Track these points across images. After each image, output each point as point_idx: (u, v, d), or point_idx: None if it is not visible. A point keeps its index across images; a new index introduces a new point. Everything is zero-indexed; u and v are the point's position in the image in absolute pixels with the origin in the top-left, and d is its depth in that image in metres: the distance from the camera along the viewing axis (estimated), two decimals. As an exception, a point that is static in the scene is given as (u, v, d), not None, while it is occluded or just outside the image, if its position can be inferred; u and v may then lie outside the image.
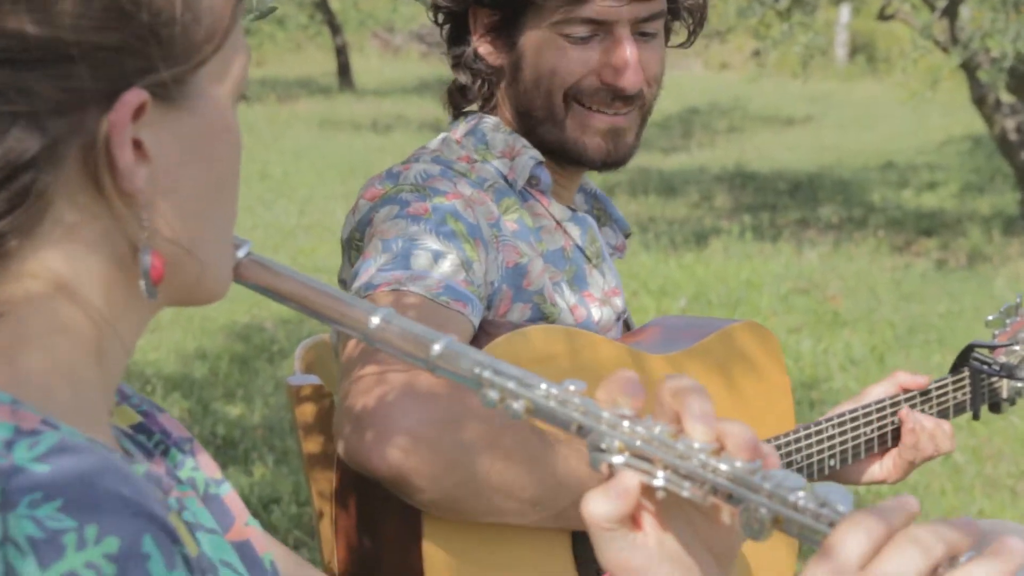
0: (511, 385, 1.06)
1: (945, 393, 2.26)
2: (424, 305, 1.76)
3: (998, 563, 0.92)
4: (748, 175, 12.17)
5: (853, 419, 2.16)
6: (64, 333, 0.95)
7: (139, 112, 0.93)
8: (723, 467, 1.00)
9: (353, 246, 1.97)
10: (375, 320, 1.10)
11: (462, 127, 2.08)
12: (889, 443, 2.21)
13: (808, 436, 2.10)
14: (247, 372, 6.23)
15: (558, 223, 2.06)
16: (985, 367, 2.28)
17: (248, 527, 1.16)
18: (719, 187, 11.62)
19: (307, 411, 2.01)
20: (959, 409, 2.30)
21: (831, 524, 0.97)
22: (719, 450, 1.02)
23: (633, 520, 1.06)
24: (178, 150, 0.97)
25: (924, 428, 2.19)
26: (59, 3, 0.89)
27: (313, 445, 2.01)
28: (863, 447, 2.17)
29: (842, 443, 2.14)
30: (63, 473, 0.85)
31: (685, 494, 1.01)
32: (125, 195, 0.93)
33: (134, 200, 0.94)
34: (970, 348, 2.30)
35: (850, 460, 2.16)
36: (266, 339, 6.73)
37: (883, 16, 9.16)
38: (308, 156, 12.89)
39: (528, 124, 2.05)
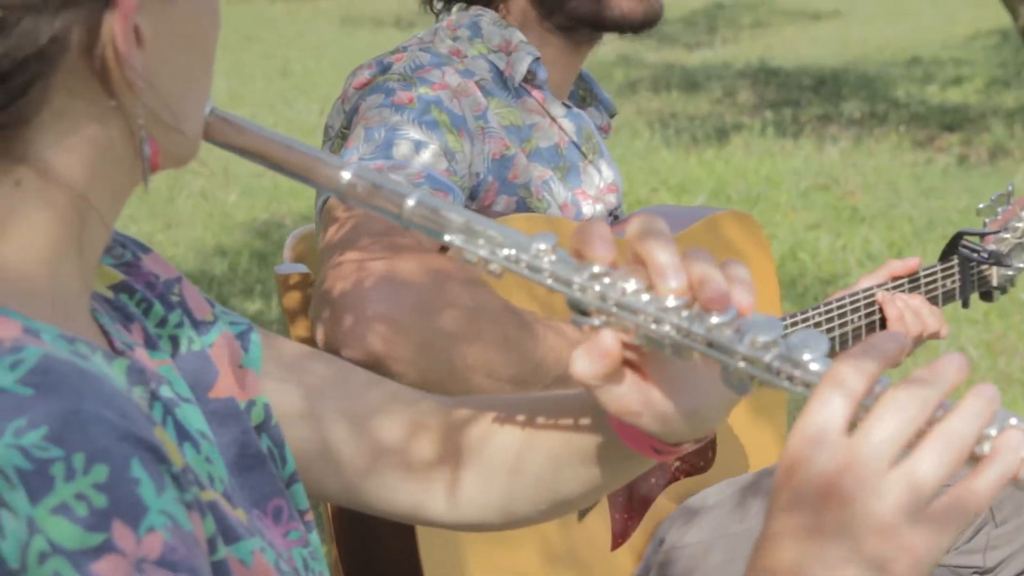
0: (482, 252, 1.05)
1: (934, 281, 2.27)
2: None
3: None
4: (772, 70, 12.06)
5: (840, 307, 2.17)
6: (48, 223, 0.95)
7: None
8: (696, 329, 0.99)
9: (339, 134, 1.97)
10: (346, 176, 1.09)
11: (455, 17, 2.07)
12: (877, 329, 2.23)
13: (795, 324, 2.12)
14: (266, 268, 6.26)
15: (553, 119, 2.06)
16: (974, 254, 2.28)
17: (242, 369, 1.17)
18: (742, 83, 11.54)
19: (294, 299, 2.04)
20: (948, 297, 2.31)
21: (806, 385, 0.96)
22: (692, 301, 1.02)
23: (629, 365, 1.07)
24: (172, 34, 0.97)
25: (907, 306, 2.20)
26: None
27: (300, 331, 2.04)
28: (851, 335, 2.18)
29: (830, 331, 2.15)
30: (47, 397, 0.83)
31: (666, 351, 1.02)
32: (123, 82, 0.94)
33: (131, 87, 0.94)
34: (959, 236, 2.31)
35: (838, 348, 2.17)
36: (285, 235, 6.74)
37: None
38: (329, 53, 12.84)
39: (553, 2, 2.04)
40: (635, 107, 10.52)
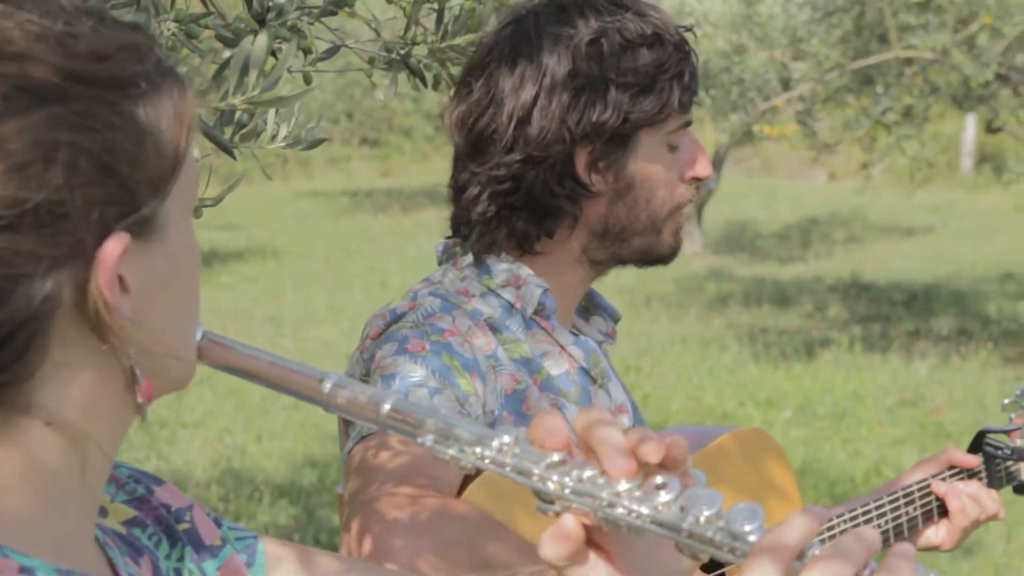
0: (452, 452, 1.15)
1: (960, 479, 2.34)
2: None
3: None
4: (863, 286, 12.16)
5: (893, 501, 2.26)
6: (50, 466, 1.03)
7: (123, 252, 1.01)
8: (644, 511, 1.08)
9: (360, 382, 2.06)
10: (327, 386, 1.19)
11: (465, 258, 2.13)
12: (935, 517, 2.31)
13: (855, 518, 2.20)
14: (353, 479, 6.37)
15: (563, 348, 2.15)
16: (998, 451, 2.36)
17: None
18: (833, 297, 11.63)
19: (353, 519, 2.14)
20: None
21: (744, 555, 1.05)
22: (643, 479, 1.10)
23: (594, 545, 1.15)
24: (154, 277, 1.05)
25: (964, 492, 2.29)
26: (51, 168, 0.97)
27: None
28: (905, 526, 2.26)
29: (883, 524, 2.23)
30: None
31: (623, 530, 1.10)
32: (113, 328, 1.02)
33: (122, 330, 1.02)
34: (982, 434, 2.39)
35: (892, 540, 2.24)
36: (374, 447, 6.88)
37: (991, 129, 9.19)
38: (429, 265, 12.99)
39: (612, 239, 2.11)
40: (725, 321, 10.63)
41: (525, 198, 2.07)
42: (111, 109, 1.00)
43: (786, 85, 9.65)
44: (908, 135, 9.06)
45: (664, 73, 2.03)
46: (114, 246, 1.00)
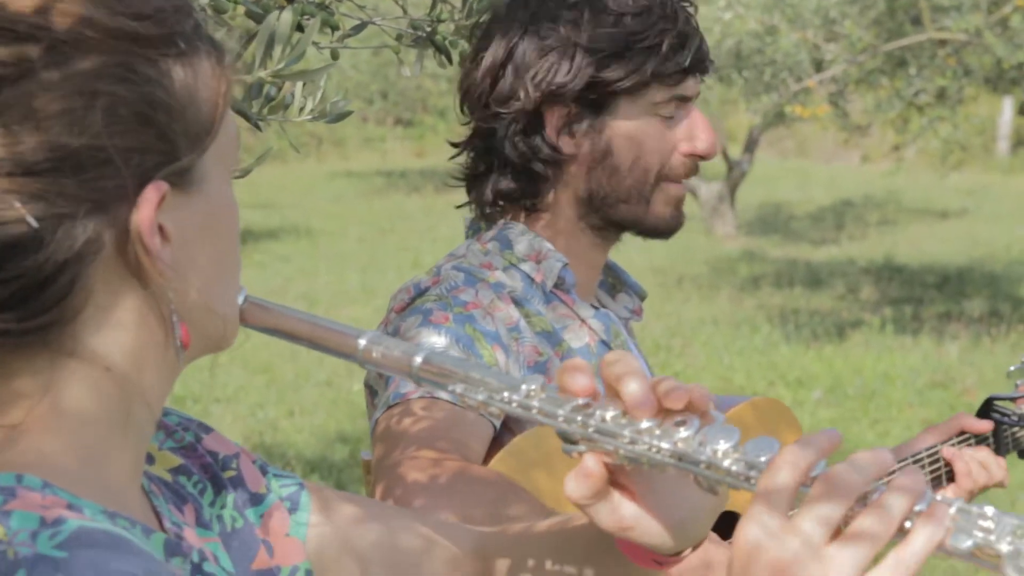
0: (481, 397, 1.20)
1: (969, 445, 2.38)
2: (452, 410, 1.92)
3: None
4: (896, 268, 12.14)
5: (902, 466, 2.29)
6: (96, 409, 1.07)
7: (161, 200, 1.05)
8: (665, 445, 1.13)
9: None
10: (362, 343, 1.24)
11: (489, 233, 2.19)
12: (943, 482, 2.36)
13: None
14: (384, 455, 6.43)
15: (583, 321, 2.19)
16: (1005, 418, 2.40)
17: (288, 538, 1.30)
18: (866, 280, 11.62)
19: (379, 485, 2.19)
20: None
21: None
22: (663, 420, 1.15)
23: (618, 486, 1.20)
24: (193, 228, 1.09)
25: (974, 459, 2.34)
26: (90, 115, 1.01)
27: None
28: None
29: None
30: (79, 559, 0.95)
31: (644, 467, 1.15)
32: (155, 274, 1.06)
33: (162, 277, 1.07)
34: (989, 401, 2.43)
35: None
36: (404, 423, 6.94)
37: (1024, 111, 9.16)
38: (461, 246, 13.15)
39: (599, 204, 2.15)
40: (757, 302, 10.64)
41: (499, 155, 2.13)
42: (149, 64, 1.05)
43: (819, 66, 9.64)
44: (941, 117, 9.05)
45: (639, 42, 2.06)
46: (153, 193, 1.05)
